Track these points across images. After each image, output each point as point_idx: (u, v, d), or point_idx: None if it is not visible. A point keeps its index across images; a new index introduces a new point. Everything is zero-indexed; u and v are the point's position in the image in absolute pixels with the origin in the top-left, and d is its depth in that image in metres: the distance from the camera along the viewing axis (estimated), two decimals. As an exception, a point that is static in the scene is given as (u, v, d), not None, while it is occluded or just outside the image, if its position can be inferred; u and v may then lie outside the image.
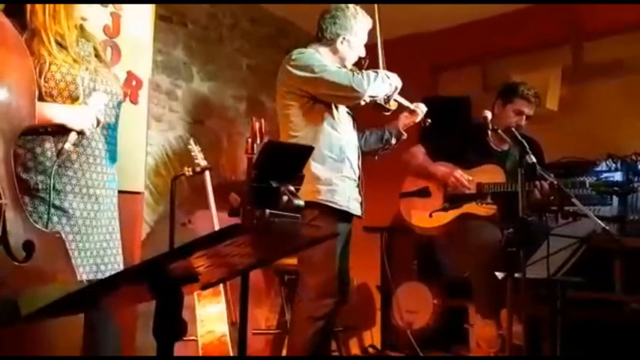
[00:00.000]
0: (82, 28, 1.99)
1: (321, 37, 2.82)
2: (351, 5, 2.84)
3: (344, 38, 2.79)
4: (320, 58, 2.71)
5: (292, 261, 3.25)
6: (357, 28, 2.81)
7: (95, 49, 2.03)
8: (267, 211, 1.18)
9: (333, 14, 2.80)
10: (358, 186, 2.82)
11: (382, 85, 2.69)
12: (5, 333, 1.42)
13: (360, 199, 2.82)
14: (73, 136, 1.80)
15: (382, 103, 2.78)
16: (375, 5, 2.89)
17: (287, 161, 1.26)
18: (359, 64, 2.87)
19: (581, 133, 3.90)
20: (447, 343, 3.93)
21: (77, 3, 1.90)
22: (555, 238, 2.62)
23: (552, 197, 3.00)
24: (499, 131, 2.80)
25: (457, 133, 3.41)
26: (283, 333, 3.95)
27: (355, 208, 2.76)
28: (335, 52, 2.81)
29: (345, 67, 2.83)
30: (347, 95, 2.64)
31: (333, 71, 2.65)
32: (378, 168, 3.11)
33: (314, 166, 2.63)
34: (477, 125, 3.00)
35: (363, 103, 2.68)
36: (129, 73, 2.73)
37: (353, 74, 2.65)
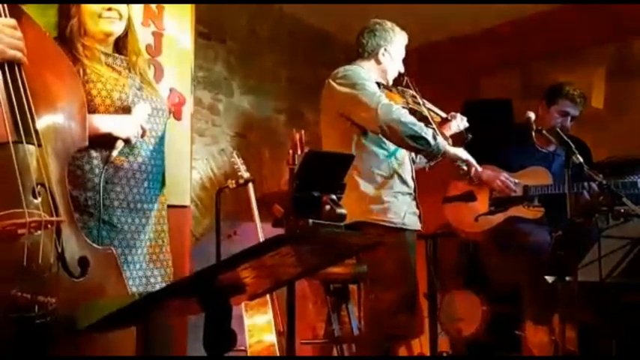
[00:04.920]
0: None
1: (362, 51, 2.83)
2: (387, 21, 2.86)
3: (385, 49, 2.80)
4: (364, 76, 2.67)
5: (337, 269, 3.24)
6: (395, 40, 2.83)
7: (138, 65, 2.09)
8: (310, 220, 1.19)
9: (371, 28, 2.83)
10: (415, 199, 2.76)
11: (412, 127, 2.48)
12: (62, 346, 1.47)
13: (417, 212, 2.75)
14: (119, 144, 1.86)
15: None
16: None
17: (328, 170, 1.27)
18: (398, 81, 2.87)
19: (629, 131, 3.79)
20: (500, 351, 3.85)
21: (108, 3, 1.94)
22: (607, 240, 2.55)
23: (602, 198, 2.92)
24: (543, 132, 2.74)
25: (500, 136, 3.36)
26: (331, 343, 3.94)
27: (412, 223, 2.68)
28: (378, 63, 2.81)
29: (387, 80, 2.83)
30: (368, 117, 2.53)
31: (368, 92, 2.57)
32: (419, 174, 3.09)
33: (363, 185, 2.60)
34: (521, 127, 2.95)
35: (379, 131, 2.53)
36: (171, 90, 2.80)
37: (387, 102, 2.52)
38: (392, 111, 2.49)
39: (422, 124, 2.52)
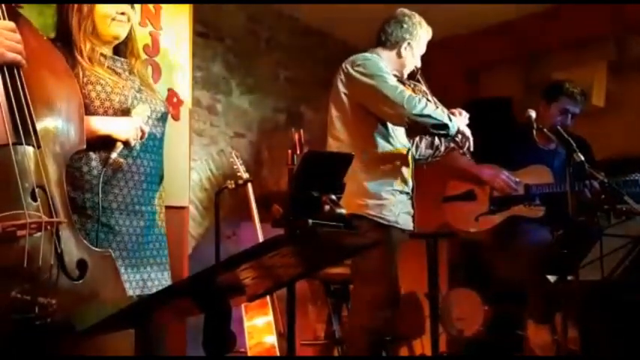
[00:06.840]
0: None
1: (385, 40, 2.77)
2: (416, 14, 2.82)
3: (408, 43, 2.76)
4: (383, 67, 2.65)
5: (337, 270, 3.24)
6: (420, 35, 2.79)
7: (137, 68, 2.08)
8: (309, 220, 1.18)
9: (399, 19, 2.78)
10: (411, 198, 2.74)
11: (435, 116, 2.55)
12: (60, 347, 1.46)
13: (412, 212, 2.73)
14: (119, 146, 1.85)
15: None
16: None
17: (327, 170, 1.26)
18: (412, 74, 2.84)
19: (630, 128, 3.78)
20: (501, 351, 3.84)
21: (103, 3, 1.92)
22: (608, 239, 2.54)
23: (603, 196, 2.91)
24: (544, 130, 2.73)
25: (501, 134, 3.34)
26: (331, 343, 3.94)
27: (405, 222, 2.67)
28: (399, 56, 2.77)
29: (403, 74, 2.80)
30: (394, 113, 2.55)
31: (390, 85, 2.57)
32: (420, 172, 3.07)
33: (364, 179, 2.58)
34: (522, 125, 2.94)
35: (405, 125, 2.61)
36: (170, 90, 2.79)
37: (409, 95, 2.55)
38: (416, 105, 2.51)
39: (439, 110, 2.58)
